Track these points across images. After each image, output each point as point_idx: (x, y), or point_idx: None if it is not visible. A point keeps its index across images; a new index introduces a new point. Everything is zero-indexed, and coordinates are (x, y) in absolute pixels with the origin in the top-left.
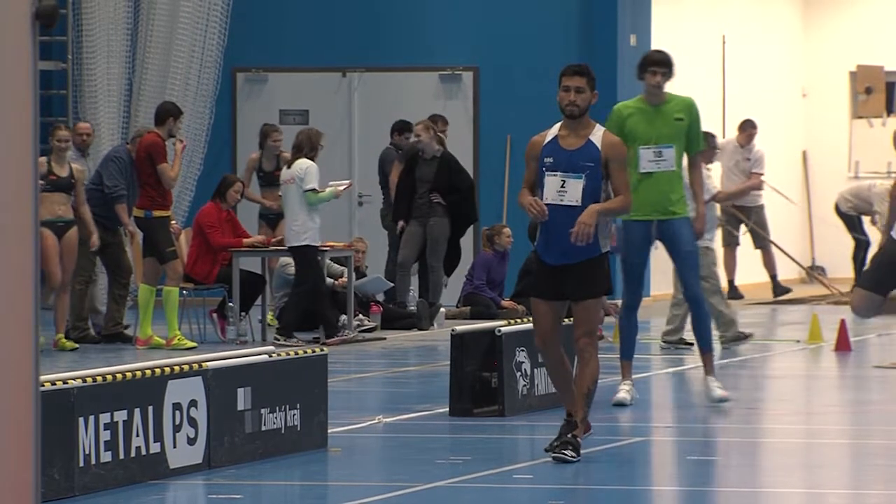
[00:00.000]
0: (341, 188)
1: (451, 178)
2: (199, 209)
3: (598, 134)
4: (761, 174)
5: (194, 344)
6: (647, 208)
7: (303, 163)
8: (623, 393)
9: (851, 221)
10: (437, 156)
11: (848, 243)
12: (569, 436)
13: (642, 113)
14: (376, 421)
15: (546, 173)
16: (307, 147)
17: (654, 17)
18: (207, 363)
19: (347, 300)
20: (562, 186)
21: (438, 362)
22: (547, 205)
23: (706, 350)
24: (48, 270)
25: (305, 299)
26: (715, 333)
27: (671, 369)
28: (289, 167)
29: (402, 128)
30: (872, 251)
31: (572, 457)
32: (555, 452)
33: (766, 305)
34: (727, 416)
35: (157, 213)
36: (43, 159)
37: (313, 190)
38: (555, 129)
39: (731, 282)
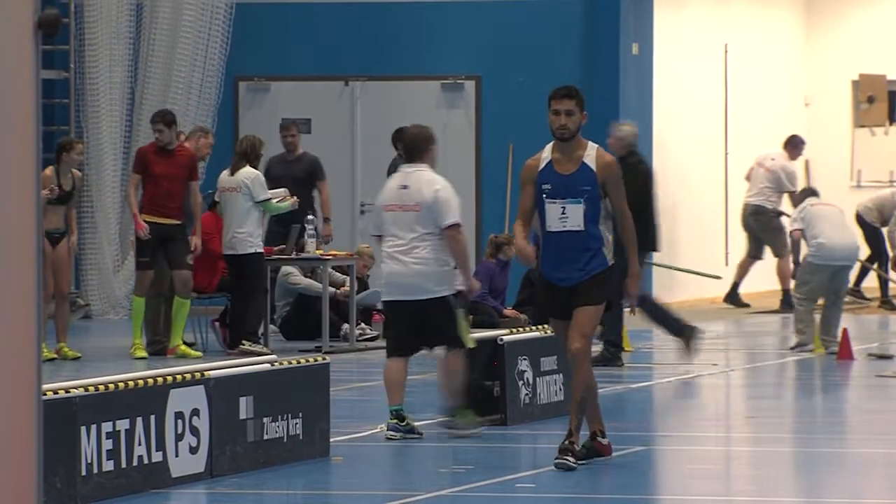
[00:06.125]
0: (290, 199)
1: None
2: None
3: (591, 154)
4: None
5: (199, 354)
6: None
7: (249, 172)
8: None
9: (874, 233)
10: None
11: None
12: (566, 442)
13: None
14: (378, 430)
15: (546, 201)
16: (252, 155)
17: (656, 25)
18: (209, 372)
19: (349, 309)
20: (563, 213)
21: None
22: (552, 232)
23: None
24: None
25: (259, 308)
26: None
27: (673, 378)
28: (231, 174)
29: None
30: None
31: (573, 462)
32: (556, 460)
33: (771, 315)
34: (728, 425)
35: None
36: (50, 170)
37: (268, 200)
38: (547, 152)
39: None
